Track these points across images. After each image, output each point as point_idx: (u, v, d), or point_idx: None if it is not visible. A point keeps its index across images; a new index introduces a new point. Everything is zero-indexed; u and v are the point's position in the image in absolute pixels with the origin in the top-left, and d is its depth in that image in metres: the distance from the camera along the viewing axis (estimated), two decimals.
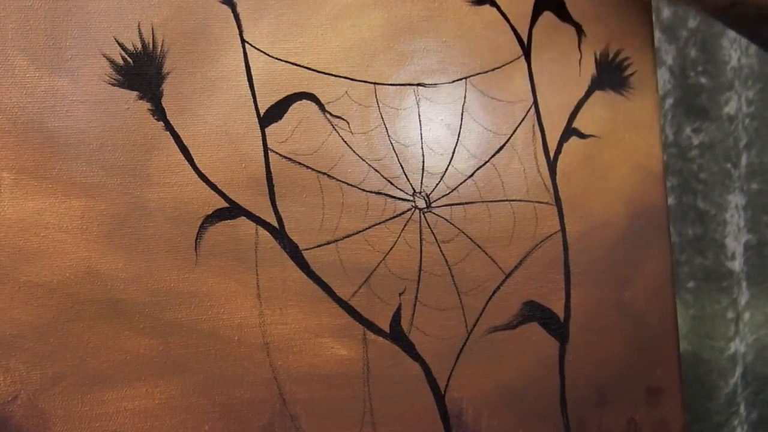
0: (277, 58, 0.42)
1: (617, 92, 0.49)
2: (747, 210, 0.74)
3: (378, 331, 0.43)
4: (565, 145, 0.47)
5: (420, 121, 0.44)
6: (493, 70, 0.46)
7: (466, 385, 0.45)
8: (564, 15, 0.48)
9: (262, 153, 0.41)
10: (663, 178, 0.50)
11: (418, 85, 0.44)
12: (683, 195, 0.72)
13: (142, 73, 0.39)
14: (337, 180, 0.42)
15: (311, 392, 0.42)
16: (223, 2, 0.41)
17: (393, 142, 0.43)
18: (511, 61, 0.46)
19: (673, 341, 0.50)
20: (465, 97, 0.45)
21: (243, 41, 0.41)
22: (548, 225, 0.47)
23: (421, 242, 0.44)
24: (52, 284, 0.38)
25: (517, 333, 0.46)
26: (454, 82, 0.45)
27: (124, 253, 0.39)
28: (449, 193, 0.44)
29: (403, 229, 0.43)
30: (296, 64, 0.42)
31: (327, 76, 0.42)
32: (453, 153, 0.45)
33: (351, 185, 0.43)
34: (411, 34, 0.44)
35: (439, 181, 0.44)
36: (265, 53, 0.41)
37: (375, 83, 0.43)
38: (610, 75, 0.49)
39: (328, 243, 0.42)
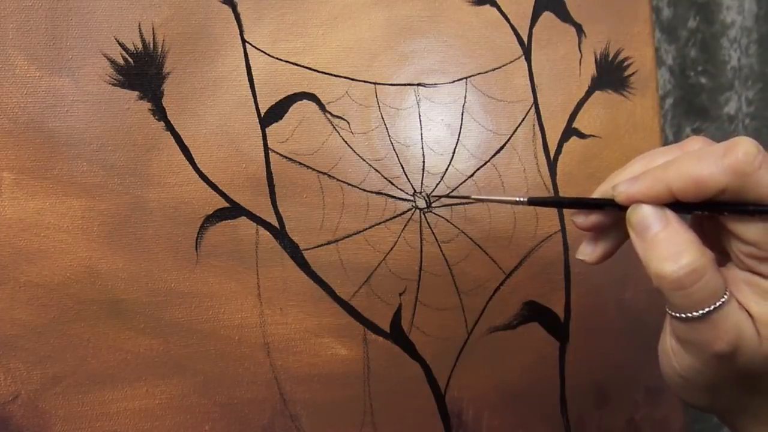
0: (277, 58, 0.42)
1: (617, 92, 0.49)
2: None
3: (378, 331, 0.43)
4: (565, 145, 0.47)
5: (420, 121, 0.44)
6: (493, 70, 0.46)
7: (466, 385, 0.45)
8: (564, 15, 0.48)
9: (262, 153, 0.41)
10: None
11: (419, 85, 0.44)
12: None
13: (142, 73, 0.39)
14: (338, 180, 0.42)
15: (311, 392, 0.42)
16: (224, 2, 0.41)
17: (393, 142, 0.43)
18: (511, 61, 0.46)
19: None
20: (465, 97, 0.45)
21: (243, 41, 0.41)
22: (548, 225, 0.47)
23: (421, 242, 0.44)
24: (53, 284, 0.38)
25: (518, 333, 0.46)
26: (454, 82, 0.45)
27: (125, 253, 0.39)
28: (450, 193, 0.44)
29: (403, 229, 0.43)
30: (297, 64, 0.42)
31: (327, 76, 0.42)
32: (453, 153, 0.45)
33: (351, 185, 0.43)
34: (411, 34, 0.44)
35: (440, 181, 0.44)
36: (265, 53, 0.41)
37: (375, 83, 0.43)
38: (610, 75, 0.49)
39: (329, 243, 0.42)
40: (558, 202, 0.37)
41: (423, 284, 0.44)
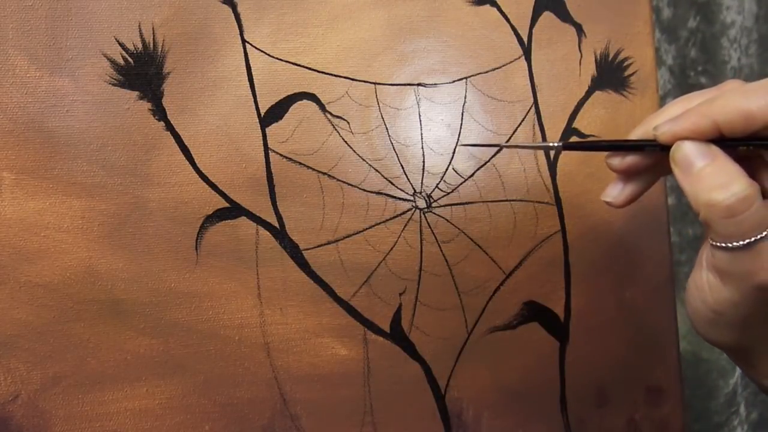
0: (277, 58, 0.42)
1: (617, 92, 0.49)
2: None
3: (378, 331, 0.43)
4: None
5: (420, 121, 0.44)
6: (493, 70, 0.46)
7: (466, 385, 0.45)
8: (564, 15, 0.48)
9: (262, 153, 0.41)
10: (663, 178, 0.50)
11: (419, 85, 0.44)
12: (683, 195, 0.72)
13: (142, 73, 0.39)
14: (338, 180, 0.42)
15: (311, 392, 0.42)
16: (224, 2, 0.41)
17: (393, 142, 0.43)
18: (511, 61, 0.46)
19: (673, 341, 0.50)
20: (465, 97, 0.45)
21: (243, 41, 0.41)
22: (548, 225, 0.47)
23: (421, 242, 0.44)
24: (53, 284, 0.38)
25: (518, 333, 0.46)
26: (454, 82, 0.45)
27: (125, 253, 0.39)
28: (450, 193, 0.44)
29: (403, 229, 0.43)
30: (297, 64, 0.42)
31: (327, 76, 0.42)
32: (453, 153, 0.45)
33: (351, 185, 0.43)
34: (411, 34, 0.44)
35: (440, 181, 0.44)
36: (265, 53, 0.41)
37: (375, 83, 0.43)
38: (610, 75, 0.49)
39: (329, 243, 0.42)
40: (595, 145, 0.37)
41: (423, 284, 0.44)
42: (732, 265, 0.31)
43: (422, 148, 0.44)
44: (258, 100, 0.41)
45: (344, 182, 0.42)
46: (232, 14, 0.41)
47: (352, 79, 0.43)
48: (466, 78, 0.45)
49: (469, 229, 0.45)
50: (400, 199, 0.43)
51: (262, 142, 0.41)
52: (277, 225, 0.41)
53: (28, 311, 0.37)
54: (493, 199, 0.45)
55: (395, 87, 0.44)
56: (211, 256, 0.40)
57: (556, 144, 0.35)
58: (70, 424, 0.38)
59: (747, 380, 0.76)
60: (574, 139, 0.48)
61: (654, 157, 0.34)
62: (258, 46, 0.41)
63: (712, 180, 0.30)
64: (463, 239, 0.45)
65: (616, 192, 0.35)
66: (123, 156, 0.39)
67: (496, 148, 0.45)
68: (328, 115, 0.42)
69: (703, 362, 0.73)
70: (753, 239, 0.30)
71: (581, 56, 0.48)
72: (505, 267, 0.46)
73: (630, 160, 0.34)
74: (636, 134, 0.34)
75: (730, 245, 0.30)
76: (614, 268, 0.48)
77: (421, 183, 0.44)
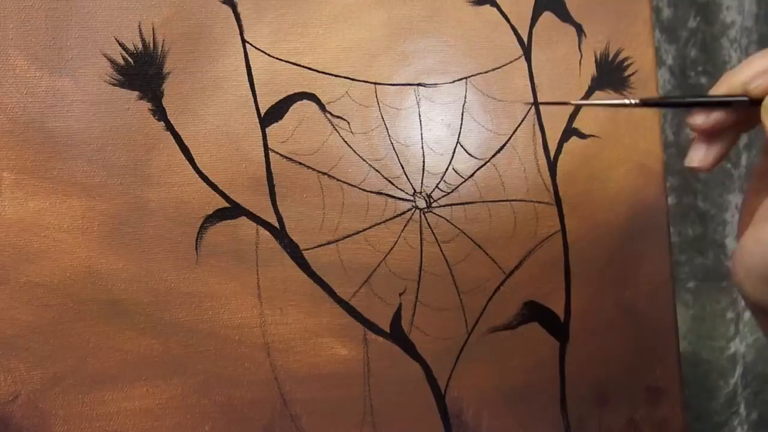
0: (277, 58, 0.42)
1: (617, 92, 0.49)
2: None
3: (378, 331, 0.43)
4: (565, 145, 0.47)
5: (420, 121, 0.44)
6: (493, 70, 0.46)
7: (466, 385, 0.45)
8: (564, 15, 0.48)
9: (262, 153, 0.41)
10: (663, 178, 0.50)
11: (419, 85, 0.44)
12: (683, 195, 0.72)
13: (142, 73, 0.39)
14: (338, 180, 0.42)
15: (311, 392, 0.42)
16: (224, 2, 0.41)
17: (393, 142, 0.43)
18: (511, 61, 0.46)
19: (673, 341, 0.50)
20: (465, 97, 0.45)
21: (243, 41, 0.41)
22: (548, 225, 0.47)
23: (421, 242, 0.44)
24: (53, 284, 0.38)
25: (518, 333, 0.46)
26: (454, 82, 0.45)
27: (125, 253, 0.39)
28: (450, 193, 0.44)
29: (403, 229, 0.43)
30: (297, 64, 0.42)
31: (327, 76, 0.42)
32: (453, 153, 0.45)
33: (351, 185, 0.43)
34: (411, 34, 0.44)
35: (440, 181, 0.44)
36: (265, 53, 0.41)
37: (375, 83, 0.43)
38: (610, 75, 0.49)
39: (329, 243, 0.42)
40: (676, 102, 0.36)
41: (423, 284, 0.44)
42: None
43: (422, 148, 0.44)
44: (258, 100, 0.41)
45: (344, 182, 0.42)
46: (232, 14, 0.41)
47: (352, 79, 0.43)
48: (466, 78, 0.45)
49: (469, 229, 0.45)
50: (400, 199, 0.43)
51: (262, 142, 0.41)
52: (277, 225, 0.41)
53: (28, 311, 0.37)
54: (493, 199, 0.45)
55: (395, 87, 0.44)
56: (211, 256, 0.40)
57: (633, 101, 0.34)
58: (70, 424, 0.38)
59: (747, 380, 0.76)
60: (574, 138, 0.48)
61: (738, 114, 0.33)
62: (258, 46, 0.41)
63: None
64: (463, 239, 0.45)
65: (701, 155, 0.34)
66: (123, 156, 0.39)
67: (494, 153, 0.45)
68: (328, 115, 0.42)
69: (703, 362, 0.73)
70: None
71: (581, 56, 0.48)
72: (505, 267, 0.46)
73: (716, 116, 0.33)
74: (720, 89, 0.33)
75: None
76: (614, 268, 0.48)
77: (421, 183, 0.44)
